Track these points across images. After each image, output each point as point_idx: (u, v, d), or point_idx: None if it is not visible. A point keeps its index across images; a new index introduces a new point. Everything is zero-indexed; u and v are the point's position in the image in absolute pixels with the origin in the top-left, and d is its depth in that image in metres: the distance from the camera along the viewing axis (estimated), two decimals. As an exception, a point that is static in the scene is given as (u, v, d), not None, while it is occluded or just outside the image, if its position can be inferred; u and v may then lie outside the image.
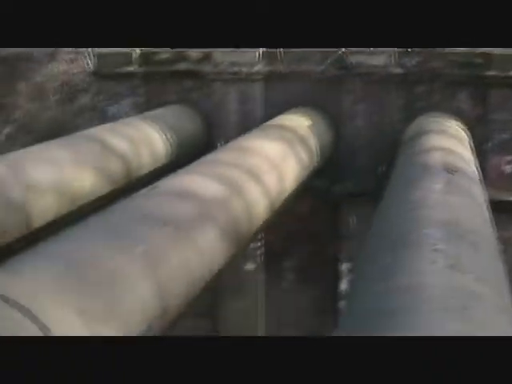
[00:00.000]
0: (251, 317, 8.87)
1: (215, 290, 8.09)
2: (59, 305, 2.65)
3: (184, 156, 6.79)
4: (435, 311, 2.49)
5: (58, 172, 5.10)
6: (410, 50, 7.59)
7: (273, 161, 5.45)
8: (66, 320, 2.61)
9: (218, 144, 7.65)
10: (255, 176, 4.95)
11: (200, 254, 3.74)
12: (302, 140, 6.47)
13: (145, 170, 6.24)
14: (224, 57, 8.16)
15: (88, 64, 9.04)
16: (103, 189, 5.52)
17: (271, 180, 5.19)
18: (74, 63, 9.24)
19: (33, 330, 2.52)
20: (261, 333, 8.93)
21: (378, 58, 7.77)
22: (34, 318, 2.54)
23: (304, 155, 6.29)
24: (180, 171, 4.74)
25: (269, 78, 8.23)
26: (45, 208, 4.80)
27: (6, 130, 9.49)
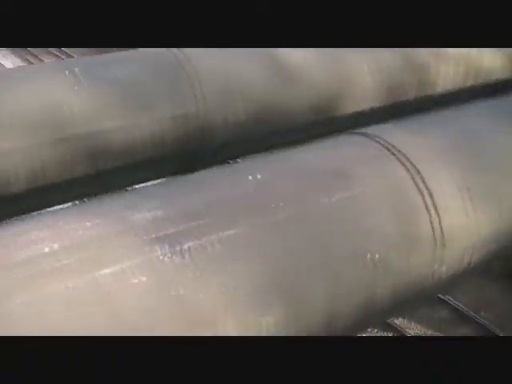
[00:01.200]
0: None
1: None
2: (446, 175, 2.63)
3: None
4: None
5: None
6: None
7: None
8: (450, 192, 2.59)
9: None
10: None
11: None
12: None
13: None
14: None
15: None
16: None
17: None
18: None
19: (413, 193, 2.54)
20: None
21: None
22: (419, 178, 2.57)
23: None
24: None
25: None
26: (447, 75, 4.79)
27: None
